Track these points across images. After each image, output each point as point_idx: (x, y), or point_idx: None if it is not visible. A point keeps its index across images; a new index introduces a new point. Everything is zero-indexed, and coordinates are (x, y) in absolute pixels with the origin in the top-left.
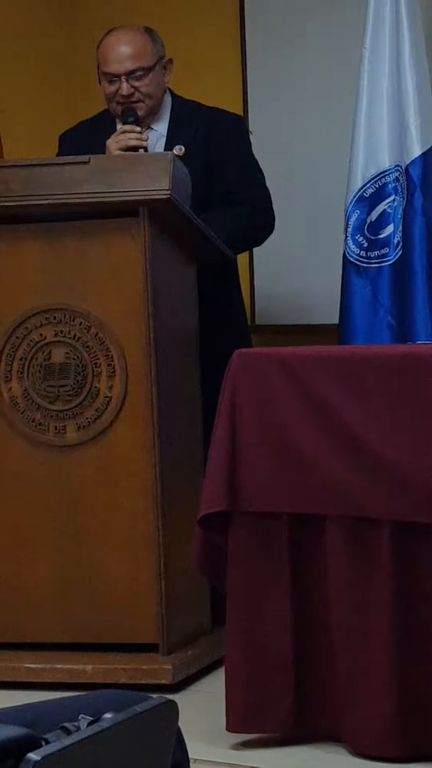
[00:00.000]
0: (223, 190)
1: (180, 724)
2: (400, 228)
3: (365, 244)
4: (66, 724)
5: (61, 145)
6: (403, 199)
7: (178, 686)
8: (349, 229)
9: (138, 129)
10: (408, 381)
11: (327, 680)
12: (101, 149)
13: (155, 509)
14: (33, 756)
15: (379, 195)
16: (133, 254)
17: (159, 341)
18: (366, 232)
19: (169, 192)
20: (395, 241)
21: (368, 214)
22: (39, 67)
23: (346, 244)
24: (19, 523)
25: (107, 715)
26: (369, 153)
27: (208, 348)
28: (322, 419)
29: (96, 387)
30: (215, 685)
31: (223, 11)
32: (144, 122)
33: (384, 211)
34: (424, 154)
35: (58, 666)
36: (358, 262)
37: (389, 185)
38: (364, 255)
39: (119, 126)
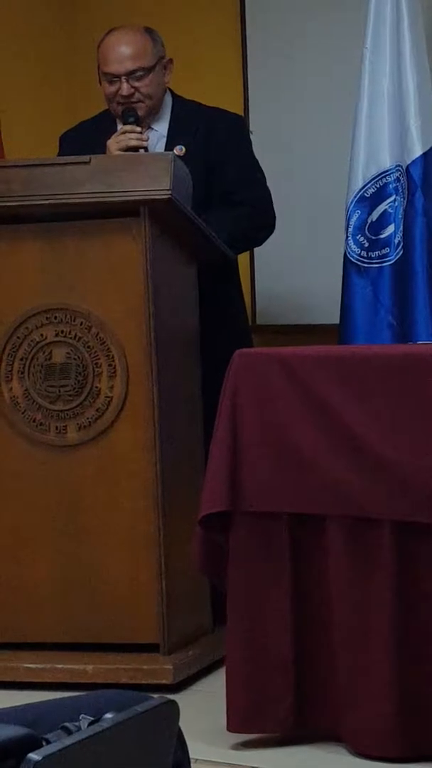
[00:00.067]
0: (224, 190)
1: (181, 724)
2: (401, 228)
3: (366, 244)
4: (67, 724)
5: (61, 145)
6: (404, 199)
7: (179, 686)
8: (350, 229)
9: (138, 129)
10: (408, 381)
11: (327, 680)
12: (102, 149)
13: (156, 509)
14: (34, 756)
15: (379, 195)
16: (133, 254)
17: (160, 341)
18: (367, 232)
19: (169, 192)
20: (396, 241)
21: (369, 214)
22: (39, 67)
23: (347, 244)
24: (19, 523)
25: (108, 715)
26: (370, 153)
27: (208, 348)
28: (323, 419)
29: (97, 387)
30: (216, 685)
31: (224, 11)
32: (144, 122)
33: (385, 211)
34: (424, 154)
35: (59, 666)
36: (358, 262)
37: (390, 185)
38: (365, 255)
39: (120, 126)
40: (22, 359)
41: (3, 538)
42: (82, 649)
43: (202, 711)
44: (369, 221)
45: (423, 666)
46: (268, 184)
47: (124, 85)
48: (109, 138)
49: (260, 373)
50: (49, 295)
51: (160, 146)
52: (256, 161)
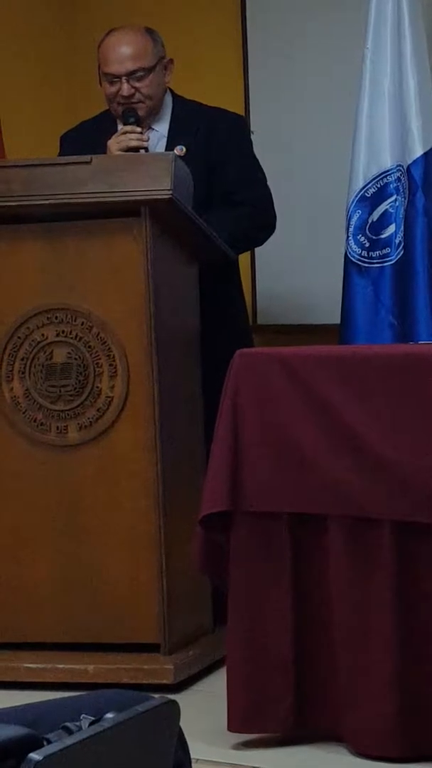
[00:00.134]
0: (224, 190)
1: (181, 723)
2: (402, 228)
3: (367, 244)
4: (67, 724)
5: (62, 145)
6: (405, 199)
7: (180, 686)
8: (351, 229)
9: (139, 129)
10: (409, 381)
11: (327, 680)
12: (102, 149)
13: (156, 509)
14: (34, 756)
15: (380, 195)
16: (134, 254)
17: (160, 341)
18: (368, 232)
19: (170, 192)
20: (397, 241)
21: (370, 214)
22: (39, 67)
23: (348, 244)
24: (20, 523)
25: (109, 715)
26: (371, 153)
27: (209, 348)
28: (323, 419)
29: (97, 387)
30: (216, 685)
31: (224, 11)
32: (145, 123)
33: (386, 211)
34: (425, 154)
35: (59, 666)
36: (359, 262)
37: (391, 185)
38: (366, 255)
39: (120, 127)
40: (22, 359)
41: (3, 538)
42: (83, 649)
43: (203, 711)
44: (370, 221)
45: (423, 666)
46: (269, 184)
47: (125, 86)
48: (110, 138)
49: (261, 373)
50: (50, 295)
51: (160, 146)
52: (257, 161)
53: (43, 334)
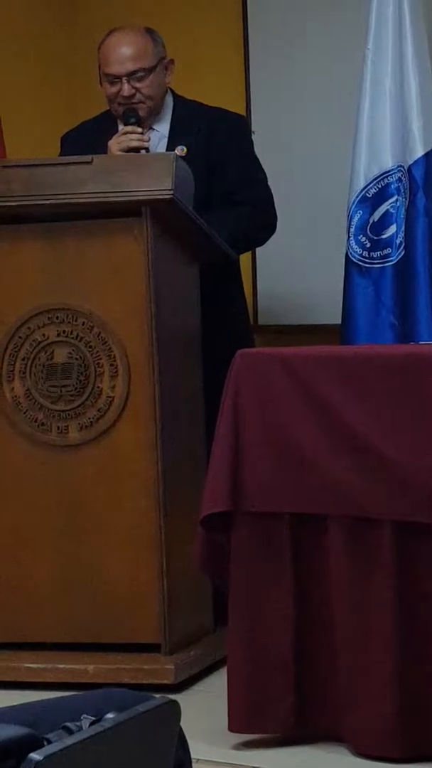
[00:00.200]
0: (225, 190)
1: (182, 724)
2: (403, 228)
3: (368, 245)
4: (68, 724)
5: (63, 145)
6: (406, 199)
7: (180, 686)
8: (352, 230)
9: (139, 130)
10: (409, 381)
11: (328, 680)
12: (103, 150)
13: (157, 509)
14: (35, 756)
15: (381, 195)
16: (135, 254)
17: (161, 341)
18: (368, 232)
19: (171, 192)
20: (398, 242)
21: (371, 214)
22: (39, 67)
23: (349, 244)
24: (20, 523)
25: (109, 715)
26: (372, 153)
27: (210, 348)
28: (324, 419)
29: (98, 387)
30: (217, 685)
31: (225, 11)
32: (145, 123)
33: (387, 211)
34: (426, 154)
35: (60, 666)
36: (360, 263)
37: (392, 186)
38: (367, 255)
39: (121, 127)
40: (23, 359)
41: (4, 538)
42: (83, 649)
43: (204, 711)
44: (371, 221)
45: (423, 666)
46: (270, 184)
47: (125, 86)
48: (111, 139)
49: (262, 373)
50: (51, 295)
51: (161, 147)
52: (258, 161)
53: (43, 334)
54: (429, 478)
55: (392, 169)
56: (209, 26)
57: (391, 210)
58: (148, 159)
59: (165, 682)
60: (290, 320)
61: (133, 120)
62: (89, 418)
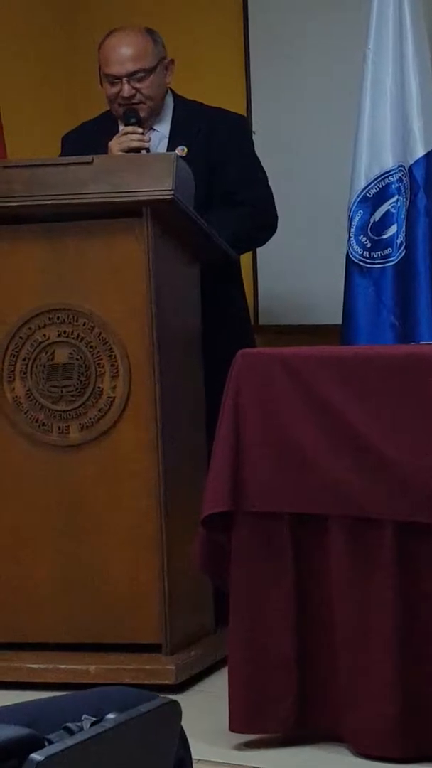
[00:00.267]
0: (225, 190)
1: (183, 724)
2: (404, 228)
3: (368, 245)
4: (69, 725)
5: (63, 146)
6: (407, 199)
7: (181, 686)
8: (353, 230)
9: (140, 130)
10: (410, 381)
11: (328, 680)
12: (104, 150)
13: (158, 509)
14: (36, 756)
15: (382, 195)
16: (136, 254)
17: (162, 341)
18: (369, 232)
19: (172, 192)
20: (398, 242)
21: (371, 214)
22: (39, 68)
23: (350, 244)
24: (21, 523)
25: (110, 716)
26: (372, 153)
27: (210, 348)
28: (325, 419)
29: (99, 387)
30: (218, 685)
31: (225, 11)
32: (146, 123)
33: (387, 211)
34: (427, 154)
35: (61, 666)
36: (361, 263)
37: (392, 186)
38: (368, 255)
39: (121, 127)
40: (24, 359)
41: (5, 538)
42: (84, 649)
43: (204, 711)
44: (371, 221)
45: (424, 666)
46: (270, 184)
47: (126, 87)
48: (111, 139)
49: (262, 374)
50: (52, 296)
51: (161, 147)
52: (258, 161)
53: (44, 335)
54: (429, 478)
55: (393, 169)
56: (209, 26)
57: (392, 210)
58: (149, 159)
59: (166, 682)
60: (291, 320)
61: (133, 120)
62: (90, 419)
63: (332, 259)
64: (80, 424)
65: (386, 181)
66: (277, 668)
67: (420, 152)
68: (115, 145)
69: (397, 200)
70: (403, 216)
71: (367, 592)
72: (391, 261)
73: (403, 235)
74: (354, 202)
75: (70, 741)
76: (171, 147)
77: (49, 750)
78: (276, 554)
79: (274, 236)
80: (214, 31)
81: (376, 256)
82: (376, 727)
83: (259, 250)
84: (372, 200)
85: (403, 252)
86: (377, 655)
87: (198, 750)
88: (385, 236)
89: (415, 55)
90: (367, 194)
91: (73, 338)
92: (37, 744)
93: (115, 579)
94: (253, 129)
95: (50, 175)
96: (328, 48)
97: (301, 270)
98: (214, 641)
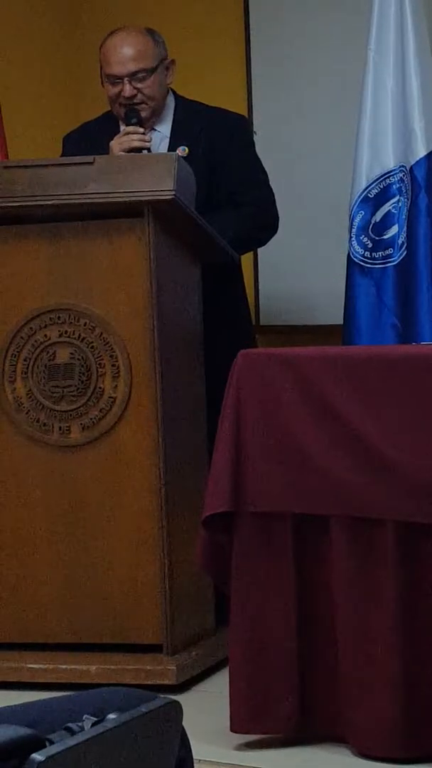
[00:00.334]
0: (226, 191)
1: (184, 724)
2: (405, 229)
3: (370, 245)
4: (70, 725)
5: (65, 146)
6: (408, 199)
7: (182, 687)
8: (354, 230)
9: (141, 130)
10: (411, 382)
11: (330, 680)
12: (105, 150)
13: (159, 509)
14: (37, 756)
15: (383, 196)
16: (137, 254)
17: (163, 341)
18: (370, 232)
19: (173, 192)
20: (400, 242)
21: (373, 214)
22: (41, 68)
23: (351, 244)
24: (22, 524)
25: (111, 716)
26: (373, 154)
27: (211, 348)
28: (326, 419)
29: (100, 387)
30: (219, 685)
31: (227, 12)
32: (147, 123)
33: (388, 211)
34: (428, 154)
35: (62, 666)
36: (362, 263)
37: (394, 186)
38: (369, 255)
39: (123, 127)
40: (25, 359)
41: (6, 539)
42: (86, 649)
43: (206, 711)
44: (373, 222)
45: (426, 666)
46: (272, 184)
47: (127, 87)
48: (112, 139)
49: (264, 374)
50: (53, 296)
51: (163, 147)
52: (259, 161)
53: (46, 335)
54: (430, 478)
55: (394, 170)
56: (211, 27)
57: (393, 210)
58: (150, 159)
59: (167, 682)
60: (292, 320)
61: (134, 120)
62: (91, 419)
63: (333, 260)
64: (81, 424)
65: (387, 181)
66: (278, 669)
67: (421, 152)
68: (117, 145)
69: (399, 200)
70: (404, 216)
71: (368, 593)
72: (393, 261)
73: (405, 235)
74: (355, 203)
75: (71, 741)
76: (172, 147)
77: (50, 750)
78: (277, 554)
79: (275, 236)
80: (215, 31)
81: (377, 256)
82: (377, 727)
83: (260, 250)
84: (373, 200)
85: (405, 252)
86: (379, 656)
87: (199, 750)
88: (386, 236)
89: (416, 55)
90: (369, 194)
91: (75, 338)
92: (38, 744)
93: (116, 579)
94: (254, 129)
95: (51, 176)
96: (329, 48)
97: (302, 270)
98: (215, 641)
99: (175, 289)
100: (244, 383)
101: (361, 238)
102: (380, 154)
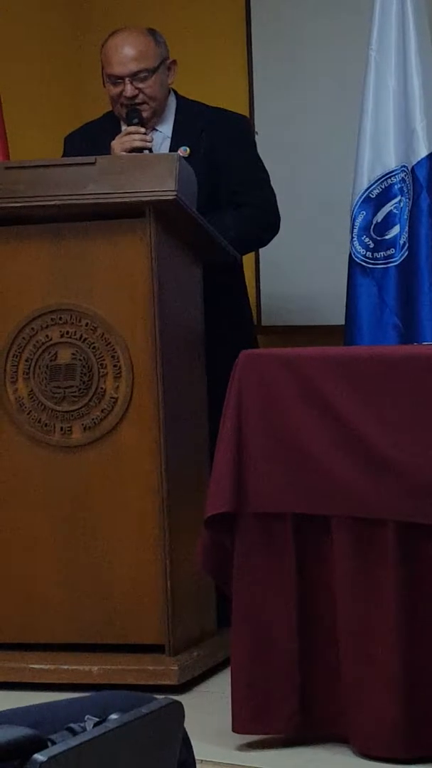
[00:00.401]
0: (228, 191)
1: (186, 724)
2: (406, 229)
3: (371, 245)
4: (72, 725)
5: (66, 146)
6: (409, 200)
7: (184, 687)
8: (355, 230)
9: (142, 130)
10: (412, 382)
11: (331, 681)
12: (106, 150)
13: (161, 510)
14: (39, 757)
15: (385, 196)
16: (138, 255)
17: (165, 342)
18: (372, 232)
19: (175, 192)
20: (401, 242)
21: (374, 214)
22: (42, 68)
23: (352, 244)
24: (24, 524)
25: (113, 716)
26: (375, 154)
27: (213, 348)
28: (327, 420)
29: (102, 388)
30: (221, 686)
31: (228, 12)
32: (148, 124)
33: (390, 211)
34: (430, 155)
35: (64, 667)
36: (364, 263)
37: (395, 186)
38: (370, 256)
39: (124, 127)
40: (27, 360)
41: (8, 539)
42: (87, 650)
43: (207, 712)
44: (374, 222)
45: (427, 666)
46: (273, 184)
47: (128, 87)
48: (114, 139)
49: (265, 374)
50: (55, 296)
51: (164, 147)
52: (261, 162)
53: (47, 335)
54: (431, 478)
55: (396, 170)
56: (212, 27)
57: (395, 210)
58: (151, 159)
59: (169, 683)
60: (293, 321)
61: (136, 120)
62: (93, 419)
63: (335, 260)
64: (83, 424)
65: (389, 181)
66: (279, 669)
67: (423, 153)
68: (118, 145)
69: (400, 201)
70: (405, 216)
71: (369, 593)
72: (394, 261)
73: (406, 235)
74: (357, 203)
75: (73, 741)
76: (173, 147)
77: (51, 750)
78: (279, 555)
79: (277, 236)
80: (216, 31)
81: (378, 256)
82: (378, 727)
83: (261, 250)
84: (375, 201)
85: (406, 252)
86: (380, 656)
87: (201, 750)
88: (387, 237)
89: (418, 55)
90: (370, 195)
91: (76, 339)
92: (40, 744)
93: (118, 580)
94: (256, 130)
95: (53, 176)
96: (331, 48)
97: (303, 270)
98: (216, 642)
99: (176, 290)
100: (245, 383)
101: (363, 238)
102: (382, 154)
